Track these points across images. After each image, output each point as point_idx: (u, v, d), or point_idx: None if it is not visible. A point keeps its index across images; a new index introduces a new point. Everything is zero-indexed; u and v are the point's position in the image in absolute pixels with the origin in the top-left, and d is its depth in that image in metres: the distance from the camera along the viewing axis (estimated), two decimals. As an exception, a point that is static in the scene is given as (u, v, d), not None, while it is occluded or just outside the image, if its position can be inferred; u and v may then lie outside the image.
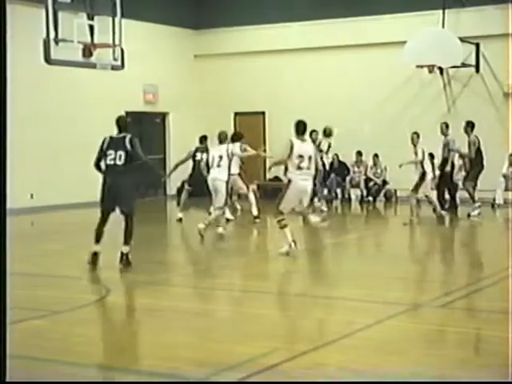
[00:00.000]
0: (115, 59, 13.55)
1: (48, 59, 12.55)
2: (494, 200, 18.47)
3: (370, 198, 20.76)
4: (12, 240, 13.72)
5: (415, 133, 15.95)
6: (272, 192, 21.64)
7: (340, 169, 21.13)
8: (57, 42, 12.66)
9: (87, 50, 13.17)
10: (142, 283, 9.87)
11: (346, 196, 21.31)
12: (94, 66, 13.45)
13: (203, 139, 16.19)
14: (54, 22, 12.71)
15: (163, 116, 22.66)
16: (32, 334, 7.38)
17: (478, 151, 16.79)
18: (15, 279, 10.04)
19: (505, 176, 18.36)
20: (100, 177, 10.73)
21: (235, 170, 15.08)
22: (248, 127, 22.22)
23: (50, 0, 12.63)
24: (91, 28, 13.42)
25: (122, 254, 10.62)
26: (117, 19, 13.50)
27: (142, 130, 21.21)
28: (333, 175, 20.80)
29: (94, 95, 19.85)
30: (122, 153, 10.32)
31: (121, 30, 13.56)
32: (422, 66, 19.27)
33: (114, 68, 13.78)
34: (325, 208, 18.03)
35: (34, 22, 14.53)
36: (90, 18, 13.42)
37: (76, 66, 13.81)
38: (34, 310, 8.33)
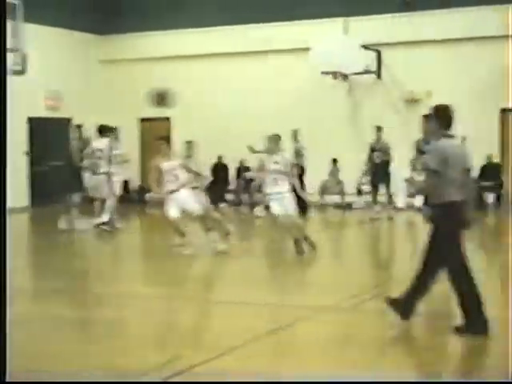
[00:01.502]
0: (17, 64, 13.28)
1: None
2: (395, 204, 18.78)
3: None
4: None
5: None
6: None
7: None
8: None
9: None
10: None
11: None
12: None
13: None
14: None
15: (67, 121, 22.27)
16: None
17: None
18: None
19: (407, 180, 18.76)
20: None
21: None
22: (153, 133, 22.16)
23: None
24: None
25: None
26: (18, 23, 13.24)
27: (46, 136, 20.81)
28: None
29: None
30: None
31: (23, 35, 13.31)
32: (327, 73, 19.57)
33: (15, 73, 13.50)
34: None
35: None
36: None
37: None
38: None
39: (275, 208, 11.92)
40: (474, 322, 7.07)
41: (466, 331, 7.07)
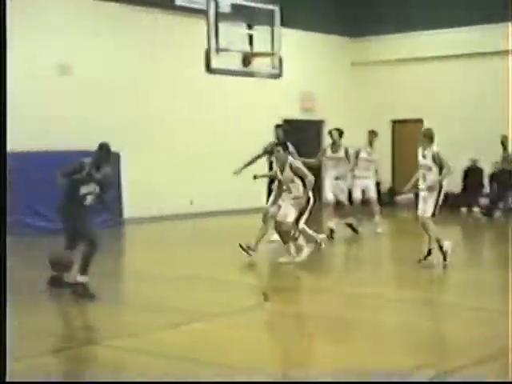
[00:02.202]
0: (274, 67, 13.67)
1: (209, 68, 12.82)
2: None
3: None
4: (175, 244, 14.24)
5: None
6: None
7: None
8: (217, 51, 12.90)
9: (246, 59, 13.36)
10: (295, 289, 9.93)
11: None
12: (252, 74, 13.63)
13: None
14: (215, 32, 12.97)
15: (320, 123, 22.68)
16: (192, 337, 7.56)
17: None
18: (180, 283, 10.41)
19: None
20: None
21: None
22: (406, 135, 22.01)
23: (211, 11, 12.90)
24: (250, 37, 13.59)
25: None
26: (275, 28, 13.62)
27: (300, 137, 21.31)
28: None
29: (251, 103, 20.17)
30: None
31: (279, 39, 13.68)
32: None
33: (272, 76, 13.92)
34: None
35: (196, 33, 14.93)
36: (250, 27, 13.60)
37: (235, 74, 14.05)
38: (195, 313, 8.54)
39: None
40: None
41: None
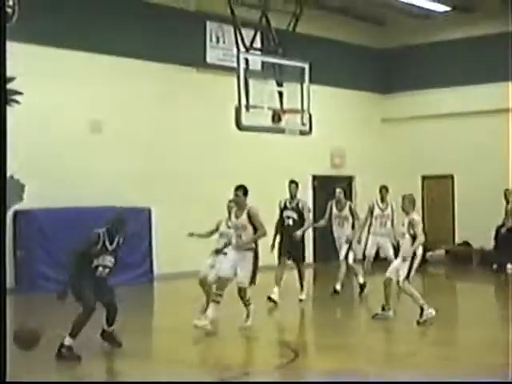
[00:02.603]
0: (303, 124, 13.77)
1: (239, 125, 12.93)
2: None
3: None
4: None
5: None
6: (462, 257, 21.16)
7: None
8: (247, 108, 13.03)
9: (276, 116, 13.46)
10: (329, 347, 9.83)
11: None
12: (282, 131, 13.72)
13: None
14: (245, 89, 13.11)
15: (349, 179, 22.71)
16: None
17: None
18: (208, 339, 10.35)
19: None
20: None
21: None
22: (436, 191, 21.97)
23: (241, 69, 13.07)
24: (280, 94, 13.72)
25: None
26: (305, 85, 13.75)
27: (329, 193, 21.34)
28: None
29: (281, 159, 20.24)
30: None
31: (309, 96, 13.79)
32: None
33: (302, 133, 14.00)
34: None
35: (226, 90, 15.10)
36: (279, 84, 13.74)
37: (266, 131, 14.14)
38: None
39: None
40: None
41: None
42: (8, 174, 16.06)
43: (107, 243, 9.28)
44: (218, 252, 11.69)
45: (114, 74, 17.40)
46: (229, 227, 11.43)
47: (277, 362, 9.27)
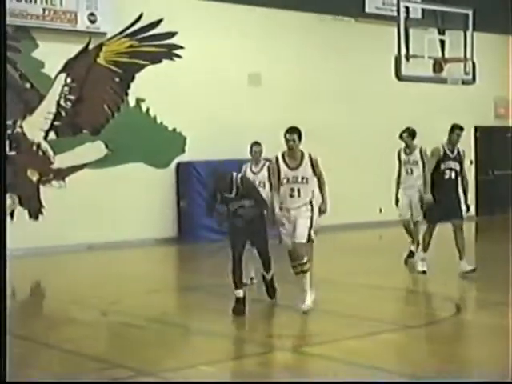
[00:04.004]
0: (466, 73, 13.34)
1: (399, 75, 12.69)
2: None
3: None
4: (359, 253, 14.17)
5: None
6: None
7: None
8: (407, 58, 12.76)
9: (438, 65, 13.11)
10: (493, 303, 9.58)
11: None
12: (444, 80, 13.35)
13: None
14: (405, 38, 12.84)
15: (513, 130, 21.88)
16: (387, 347, 7.53)
17: None
18: (366, 291, 10.34)
19: None
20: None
21: None
22: None
23: (401, 17, 12.79)
24: (442, 43, 13.34)
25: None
26: (468, 33, 13.29)
27: (492, 145, 20.70)
28: None
29: (442, 110, 19.71)
30: None
31: (472, 44, 13.33)
32: None
33: (464, 82, 13.58)
34: None
35: (385, 40, 14.82)
36: (441, 32, 13.35)
37: (426, 81, 13.81)
38: (388, 323, 8.48)
39: None
40: None
41: None
42: (170, 128, 16.82)
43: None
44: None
45: (273, 26, 17.42)
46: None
47: (439, 315, 9.12)
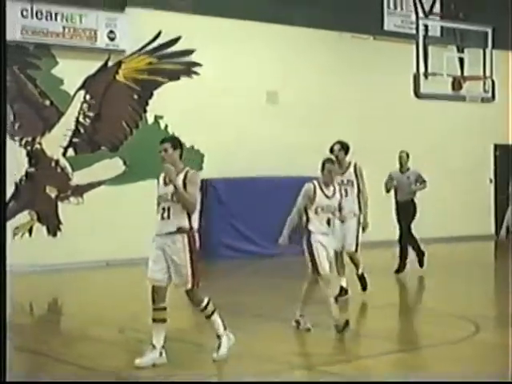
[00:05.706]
0: (486, 91, 13.30)
1: (417, 93, 12.68)
2: None
3: None
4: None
5: None
6: None
7: None
8: (426, 75, 12.74)
9: (457, 83, 13.10)
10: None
11: None
12: (463, 98, 13.33)
13: None
14: (424, 56, 12.83)
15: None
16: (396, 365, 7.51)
17: None
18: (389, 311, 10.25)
19: None
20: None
21: None
22: None
23: (420, 35, 12.78)
24: (461, 61, 13.33)
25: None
26: (488, 51, 13.27)
27: (510, 163, 20.60)
28: None
29: (460, 128, 19.63)
30: None
31: (492, 62, 13.30)
32: None
33: (484, 100, 13.54)
34: None
35: (403, 58, 14.81)
36: (460, 50, 13.34)
37: (445, 99, 13.80)
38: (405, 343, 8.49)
39: None
40: None
41: None
42: (188, 145, 16.80)
43: None
44: None
45: (292, 44, 17.43)
46: None
47: (456, 335, 9.02)
